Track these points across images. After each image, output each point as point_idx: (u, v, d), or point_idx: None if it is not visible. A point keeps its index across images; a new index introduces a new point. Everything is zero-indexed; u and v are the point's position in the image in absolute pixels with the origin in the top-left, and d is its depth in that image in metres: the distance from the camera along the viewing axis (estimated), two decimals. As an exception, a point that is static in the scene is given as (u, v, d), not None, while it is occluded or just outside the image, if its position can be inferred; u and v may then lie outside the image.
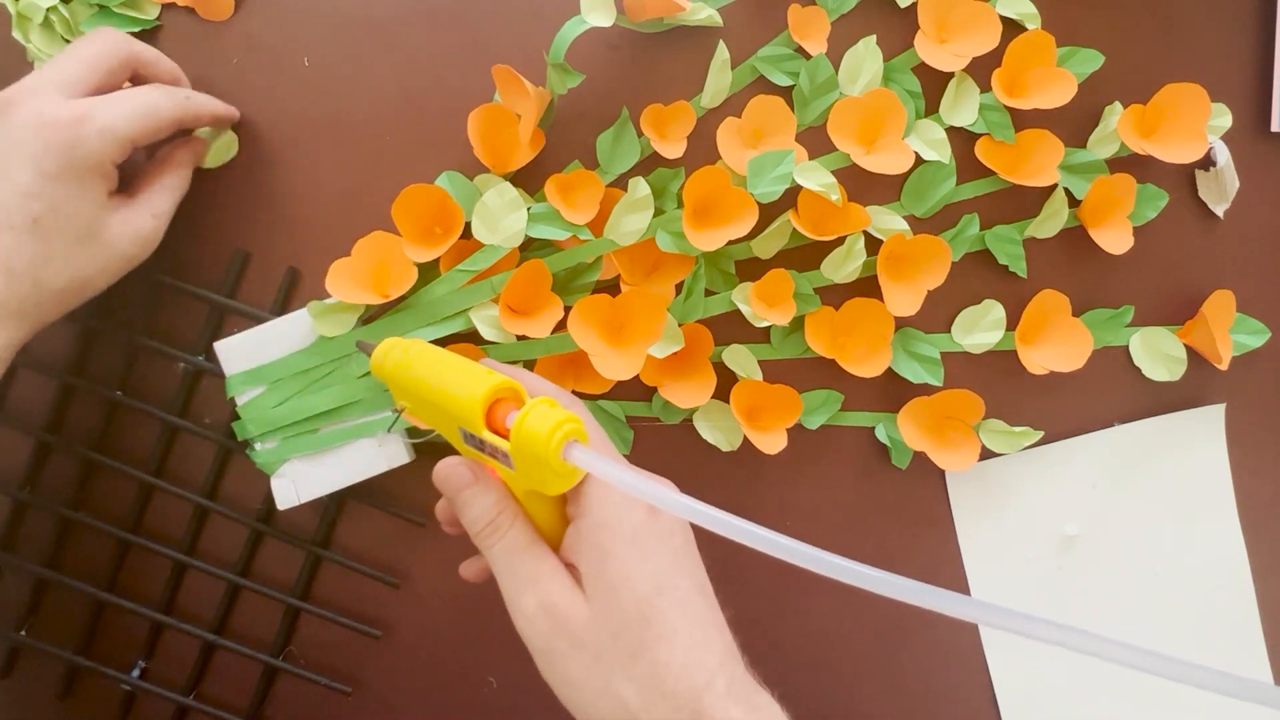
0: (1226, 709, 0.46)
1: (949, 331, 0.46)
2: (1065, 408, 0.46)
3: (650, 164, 0.44)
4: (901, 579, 0.25)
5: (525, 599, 0.32)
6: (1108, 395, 0.46)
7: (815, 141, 0.44)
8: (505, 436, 0.31)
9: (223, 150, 0.45)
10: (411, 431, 0.43)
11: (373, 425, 0.43)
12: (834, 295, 0.44)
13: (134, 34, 0.44)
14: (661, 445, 0.45)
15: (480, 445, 0.32)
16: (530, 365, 0.43)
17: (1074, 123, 0.45)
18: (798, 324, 0.45)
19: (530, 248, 0.44)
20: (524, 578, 0.32)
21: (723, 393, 0.44)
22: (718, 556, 0.49)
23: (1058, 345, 0.45)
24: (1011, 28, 0.45)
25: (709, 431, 0.45)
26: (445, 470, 0.34)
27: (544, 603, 0.31)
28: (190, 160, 0.43)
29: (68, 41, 0.44)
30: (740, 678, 0.31)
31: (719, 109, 0.45)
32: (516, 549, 0.32)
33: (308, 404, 0.43)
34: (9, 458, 0.45)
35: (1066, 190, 0.45)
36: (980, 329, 0.45)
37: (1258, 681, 0.21)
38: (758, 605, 0.46)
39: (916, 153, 0.44)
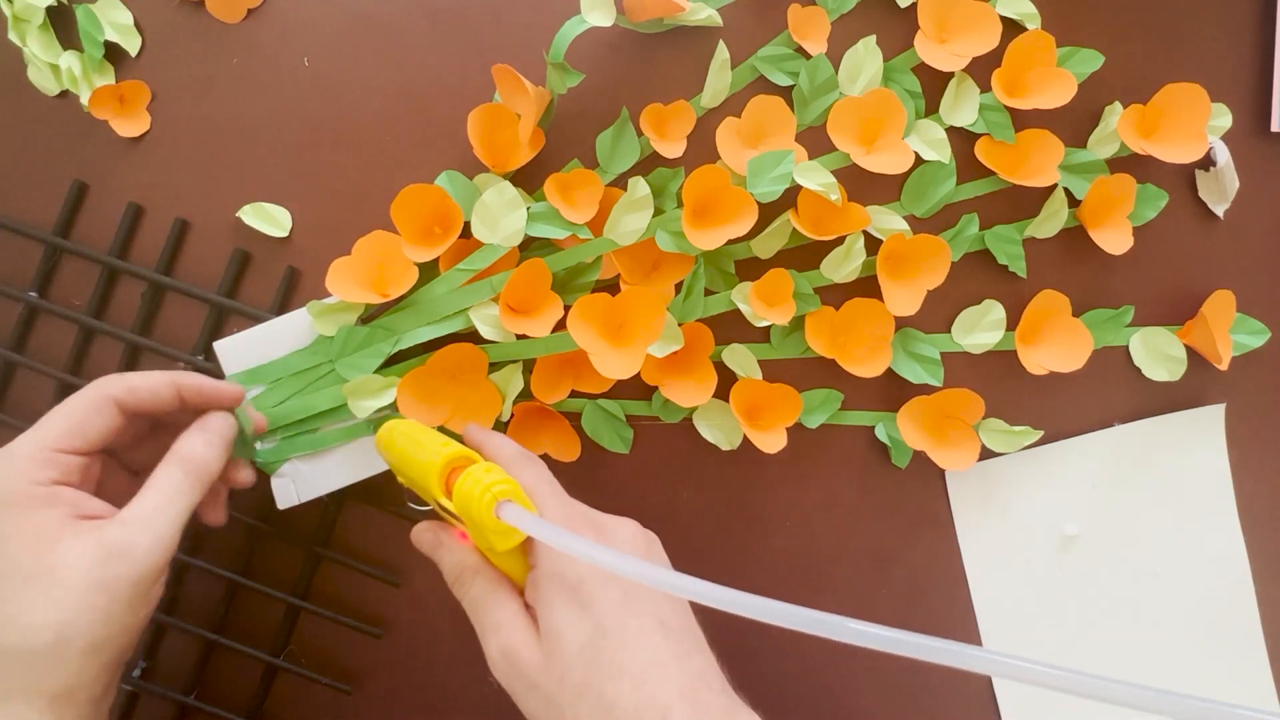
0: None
1: (949, 331, 0.46)
2: (1065, 408, 0.46)
3: (650, 164, 0.44)
4: (842, 621, 0.27)
5: (489, 645, 0.34)
6: (1108, 395, 0.46)
7: (815, 141, 0.44)
8: None
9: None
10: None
11: (372, 425, 0.43)
12: (834, 295, 0.44)
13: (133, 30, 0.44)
14: (661, 444, 0.45)
15: (446, 510, 0.34)
16: (530, 364, 0.43)
17: (1074, 123, 0.45)
18: (798, 324, 0.45)
19: (530, 247, 0.44)
20: (487, 625, 0.34)
21: (723, 392, 0.44)
22: (717, 551, 0.49)
23: (1058, 345, 0.45)
24: (1011, 28, 0.45)
25: (709, 430, 0.45)
26: (416, 535, 0.39)
27: (503, 648, 0.33)
28: (191, 454, 0.35)
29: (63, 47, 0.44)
30: (710, 703, 0.31)
31: (719, 109, 0.45)
32: (480, 599, 0.35)
33: (307, 403, 0.43)
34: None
35: (1066, 190, 0.45)
36: (980, 329, 0.45)
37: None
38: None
39: (916, 153, 0.44)
